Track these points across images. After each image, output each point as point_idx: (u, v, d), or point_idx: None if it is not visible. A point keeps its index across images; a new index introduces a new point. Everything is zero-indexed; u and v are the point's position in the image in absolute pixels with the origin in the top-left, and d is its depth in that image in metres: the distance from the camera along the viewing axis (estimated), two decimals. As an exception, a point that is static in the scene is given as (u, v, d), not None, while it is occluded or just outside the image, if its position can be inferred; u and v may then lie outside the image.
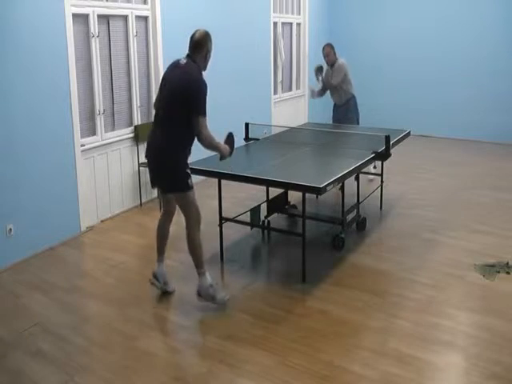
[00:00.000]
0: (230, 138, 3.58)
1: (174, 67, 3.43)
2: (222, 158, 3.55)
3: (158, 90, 3.58)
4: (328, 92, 6.28)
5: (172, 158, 3.35)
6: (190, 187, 3.41)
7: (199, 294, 3.51)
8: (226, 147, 3.53)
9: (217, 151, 3.49)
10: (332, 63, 6.11)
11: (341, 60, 6.12)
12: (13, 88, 4.13)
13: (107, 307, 3.57)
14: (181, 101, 3.26)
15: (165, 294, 3.69)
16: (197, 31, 3.42)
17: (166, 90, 3.39)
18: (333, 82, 6.05)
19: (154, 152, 3.42)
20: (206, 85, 3.29)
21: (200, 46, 3.37)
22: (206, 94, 3.27)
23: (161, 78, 3.57)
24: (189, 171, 3.43)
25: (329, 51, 6.09)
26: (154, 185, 3.65)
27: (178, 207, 3.56)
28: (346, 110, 6.19)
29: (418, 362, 2.91)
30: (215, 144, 3.42)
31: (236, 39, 6.88)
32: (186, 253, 4.40)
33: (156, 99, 3.59)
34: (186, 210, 3.44)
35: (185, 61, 3.38)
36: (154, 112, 3.58)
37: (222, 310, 3.56)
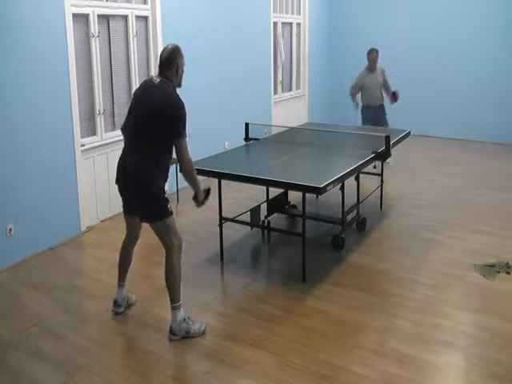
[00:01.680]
0: (206, 191, 3.33)
1: (148, 86, 3.18)
2: (197, 199, 3.27)
3: (129, 111, 3.25)
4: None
5: (152, 184, 3.09)
6: (170, 213, 3.15)
7: (172, 332, 3.18)
8: (201, 189, 3.26)
9: (194, 183, 3.20)
10: (374, 67, 6.78)
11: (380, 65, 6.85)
12: (13, 88, 4.13)
13: (107, 307, 3.56)
14: (161, 124, 3.03)
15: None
16: (165, 48, 3.22)
17: (141, 113, 3.11)
18: (389, 86, 6.83)
19: (131, 179, 3.11)
20: (183, 104, 3.08)
21: (169, 62, 3.13)
22: (185, 115, 3.08)
23: (138, 96, 3.24)
24: (166, 196, 3.19)
25: (376, 56, 6.74)
26: (128, 213, 3.33)
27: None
28: (382, 111, 6.85)
29: (418, 362, 2.91)
30: (195, 173, 3.18)
31: (236, 39, 6.88)
32: (185, 253, 4.41)
33: (128, 122, 3.24)
34: (167, 237, 3.16)
35: (158, 80, 3.13)
36: (122, 134, 3.36)
37: (222, 310, 3.57)
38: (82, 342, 3.18)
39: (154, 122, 3.05)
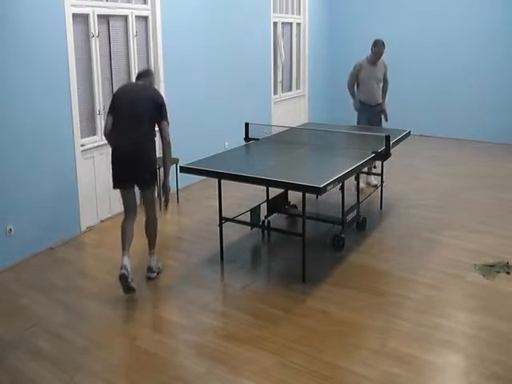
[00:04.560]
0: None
1: (136, 85, 3.96)
2: (165, 185, 3.89)
3: (116, 106, 3.78)
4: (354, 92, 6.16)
5: (152, 155, 3.78)
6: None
7: (152, 270, 3.93)
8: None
9: (169, 161, 3.94)
10: (376, 60, 6.00)
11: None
12: (13, 88, 4.13)
13: (107, 307, 3.57)
14: (155, 109, 3.76)
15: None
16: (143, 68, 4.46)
17: (140, 101, 3.74)
18: (387, 86, 6.15)
19: (136, 150, 3.70)
20: None
21: (147, 74, 4.01)
22: None
23: (117, 92, 3.91)
24: None
25: (383, 50, 5.93)
26: (126, 184, 3.83)
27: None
28: (380, 109, 6.11)
29: (418, 362, 2.91)
30: (171, 152, 3.92)
31: (236, 39, 6.88)
32: (185, 253, 4.43)
33: (118, 117, 3.76)
34: (153, 200, 3.94)
35: (141, 82, 3.92)
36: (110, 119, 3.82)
37: (222, 310, 3.57)
38: (82, 342, 3.18)
39: (149, 109, 3.74)
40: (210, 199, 5.44)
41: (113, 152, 3.78)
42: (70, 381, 2.81)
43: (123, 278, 3.55)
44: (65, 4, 4.47)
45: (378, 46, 5.90)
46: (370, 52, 5.97)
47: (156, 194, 3.96)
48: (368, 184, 6.10)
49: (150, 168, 3.80)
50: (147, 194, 3.90)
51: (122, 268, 3.59)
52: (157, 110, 3.76)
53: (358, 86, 6.09)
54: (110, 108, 3.83)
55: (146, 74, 3.99)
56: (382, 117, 6.16)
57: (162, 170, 3.97)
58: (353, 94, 6.13)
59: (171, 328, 3.37)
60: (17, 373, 2.89)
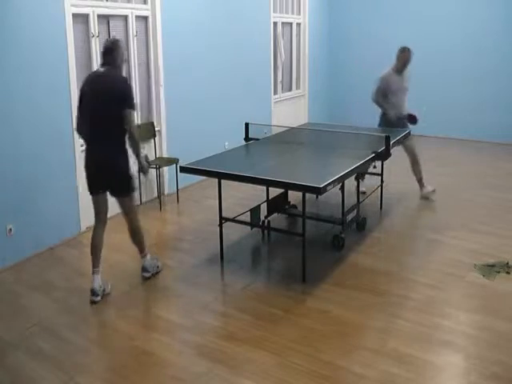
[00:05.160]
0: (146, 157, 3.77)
1: (96, 77, 3.64)
2: (141, 164, 3.68)
3: (83, 102, 3.58)
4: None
5: (123, 161, 3.58)
6: (135, 189, 3.76)
7: (147, 270, 3.89)
8: (142, 154, 3.67)
9: (138, 147, 3.60)
10: (403, 69, 5.65)
11: None
12: (13, 88, 4.13)
13: (107, 307, 3.57)
14: (118, 101, 3.46)
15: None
16: (106, 40, 3.83)
17: (99, 99, 3.50)
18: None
19: (105, 160, 3.54)
20: (127, 79, 3.75)
21: (112, 50, 3.59)
22: (132, 88, 3.68)
23: (89, 88, 3.59)
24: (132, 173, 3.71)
25: (409, 57, 5.60)
26: (100, 189, 3.63)
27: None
28: (407, 120, 5.64)
29: (418, 362, 2.91)
30: (139, 143, 3.62)
31: (236, 39, 6.88)
32: (185, 253, 4.43)
33: (86, 115, 3.57)
34: (132, 208, 3.76)
35: (102, 69, 3.61)
36: (76, 123, 3.73)
37: (222, 310, 3.57)
38: (82, 342, 3.18)
39: (111, 102, 3.47)
40: (210, 199, 5.45)
41: (85, 155, 3.63)
42: (69, 381, 2.81)
43: (93, 304, 3.59)
44: (65, 4, 4.47)
45: (404, 52, 5.58)
46: (389, 59, 5.64)
47: (133, 199, 3.77)
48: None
49: (121, 172, 3.58)
50: (125, 202, 3.69)
51: (92, 292, 3.59)
52: (123, 101, 3.47)
53: (385, 98, 5.61)
54: (78, 105, 3.63)
55: (110, 51, 3.58)
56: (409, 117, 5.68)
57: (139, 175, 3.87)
58: (383, 106, 5.67)
59: (171, 328, 3.37)
60: (17, 373, 2.90)
